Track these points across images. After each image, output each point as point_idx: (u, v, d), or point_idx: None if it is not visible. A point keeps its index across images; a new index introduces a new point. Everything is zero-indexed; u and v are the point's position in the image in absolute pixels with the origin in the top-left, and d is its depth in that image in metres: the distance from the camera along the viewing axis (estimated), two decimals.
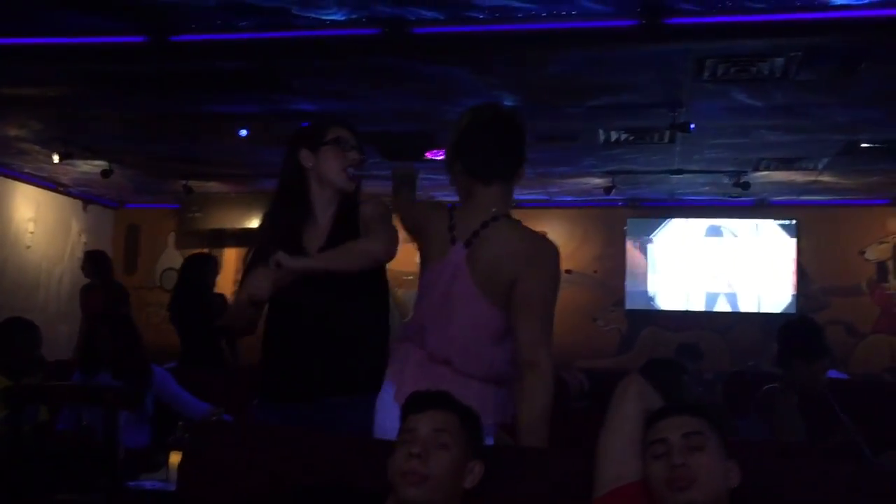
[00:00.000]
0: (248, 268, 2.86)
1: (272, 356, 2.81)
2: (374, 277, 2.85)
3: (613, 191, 8.86)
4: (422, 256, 2.71)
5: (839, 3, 4.36)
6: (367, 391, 2.67)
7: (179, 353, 6.15)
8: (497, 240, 2.56)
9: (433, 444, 2.03)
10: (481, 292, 2.52)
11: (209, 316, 5.89)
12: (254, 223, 9.82)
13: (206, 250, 10.49)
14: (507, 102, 6.10)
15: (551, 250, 2.62)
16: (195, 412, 4.37)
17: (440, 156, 7.79)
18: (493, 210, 2.61)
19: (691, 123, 6.26)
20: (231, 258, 10.36)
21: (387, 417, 2.52)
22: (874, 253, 9.87)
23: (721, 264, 10.07)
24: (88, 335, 4.64)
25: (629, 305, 10.20)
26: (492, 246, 2.55)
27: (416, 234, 2.74)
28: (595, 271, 10.19)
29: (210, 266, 6.21)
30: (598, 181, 8.78)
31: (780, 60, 5.14)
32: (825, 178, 8.48)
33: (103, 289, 7.07)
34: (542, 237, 2.72)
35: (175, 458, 3.36)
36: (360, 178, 2.89)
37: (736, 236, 10.07)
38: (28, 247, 9.23)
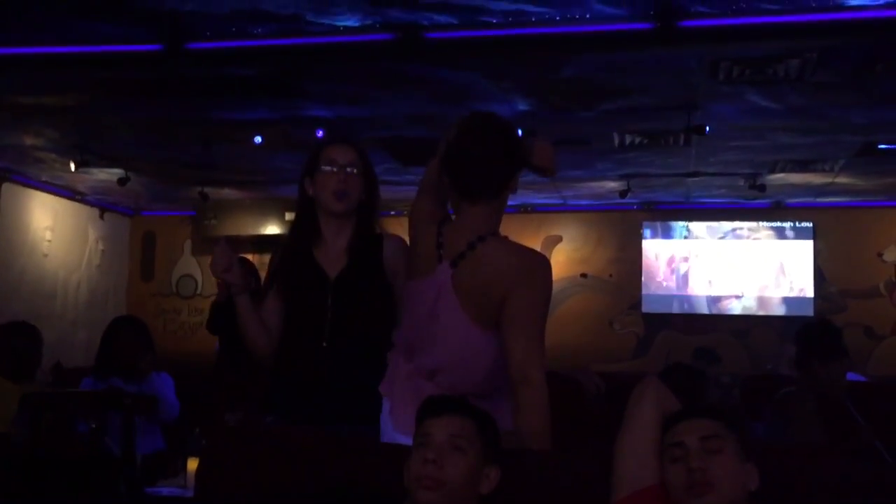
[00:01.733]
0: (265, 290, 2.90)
1: (289, 377, 2.78)
2: (389, 311, 2.82)
3: (628, 194, 8.84)
4: (408, 267, 2.62)
5: (854, 3, 4.34)
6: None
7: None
8: (485, 261, 2.46)
9: (449, 450, 2.03)
10: (467, 315, 2.45)
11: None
12: (269, 229, 9.85)
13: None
14: (521, 107, 6.10)
15: (542, 264, 2.50)
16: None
17: None
18: (481, 230, 2.49)
19: (706, 126, 6.24)
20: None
21: (385, 432, 2.54)
22: (893, 254, 9.80)
23: (737, 267, 10.03)
24: (109, 339, 4.64)
25: (645, 309, 10.17)
26: (479, 268, 2.45)
27: (410, 243, 2.65)
28: (610, 275, 10.16)
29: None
30: (612, 184, 8.76)
31: (795, 62, 5.12)
32: (842, 179, 8.44)
33: None
34: (531, 252, 2.59)
35: (192, 464, 3.38)
36: (352, 199, 2.81)
37: (752, 239, 10.03)
38: (45, 255, 9.28)
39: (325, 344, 2.73)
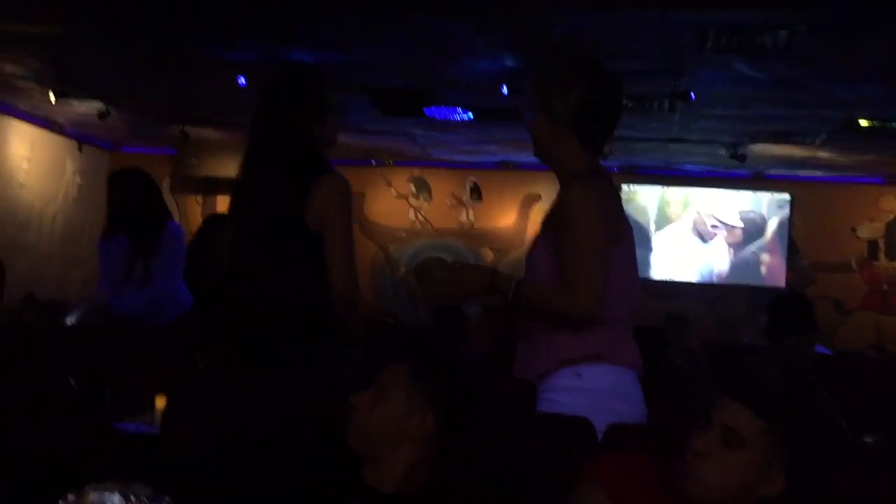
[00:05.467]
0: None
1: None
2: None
3: (609, 156, 8.81)
4: (610, 239, 2.47)
5: None
6: None
7: None
8: None
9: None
10: None
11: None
12: None
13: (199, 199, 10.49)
14: (508, 63, 6.07)
15: None
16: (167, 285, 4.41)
17: (438, 115, 7.77)
18: None
19: (691, 92, 6.24)
20: (224, 206, 10.35)
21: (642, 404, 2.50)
22: (866, 231, 9.90)
23: (712, 234, 10.10)
24: (109, 193, 4.61)
25: None
26: None
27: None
28: None
29: (217, 229, 5.81)
30: None
31: (783, 33, 5.11)
32: (822, 153, 8.48)
33: None
34: None
35: (160, 401, 3.39)
36: None
37: (729, 207, 10.09)
38: (21, 185, 9.19)
39: None
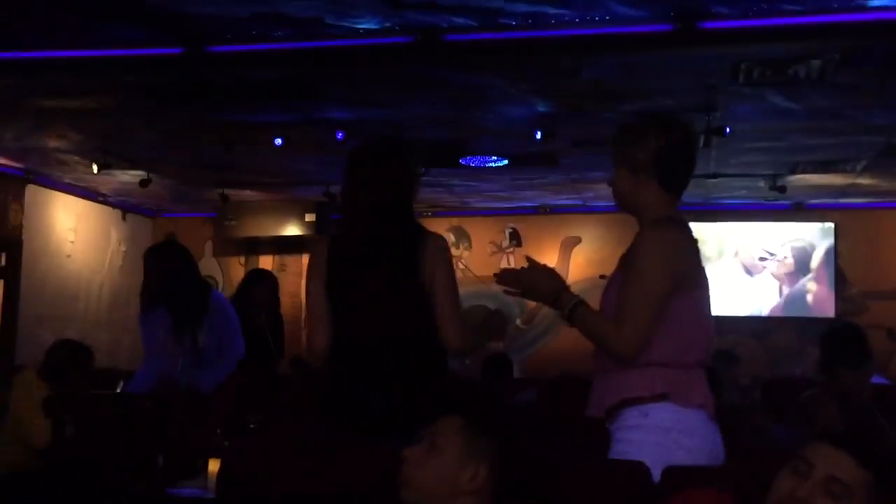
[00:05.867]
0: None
1: None
2: None
3: None
4: (681, 286, 2.58)
5: (877, 4, 4.31)
6: None
7: None
8: None
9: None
10: None
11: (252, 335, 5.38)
12: (289, 231, 9.88)
13: (242, 259, 10.58)
14: (541, 108, 6.10)
15: None
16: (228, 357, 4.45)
17: (474, 163, 7.81)
18: None
19: (727, 127, 6.21)
20: (266, 266, 10.43)
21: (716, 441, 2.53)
22: None
23: (758, 268, 9.98)
24: (145, 270, 4.64)
25: None
26: None
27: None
28: None
29: (256, 283, 5.83)
30: None
31: (816, 63, 5.09)
32: (864, 180, 8.39)
33: None
34: None
35: (213, 465, 3.39)
36: None
37: (773, 239, 9.97)
38: (68, 256, 9.34)
39: None
